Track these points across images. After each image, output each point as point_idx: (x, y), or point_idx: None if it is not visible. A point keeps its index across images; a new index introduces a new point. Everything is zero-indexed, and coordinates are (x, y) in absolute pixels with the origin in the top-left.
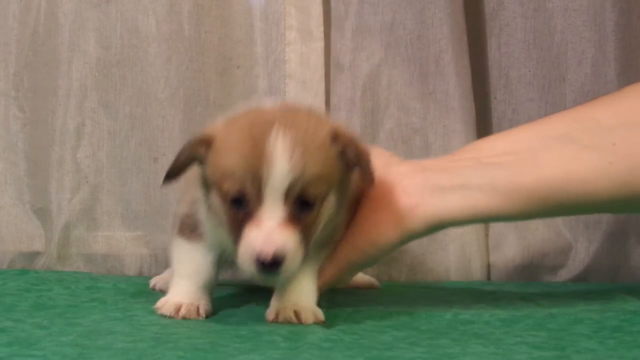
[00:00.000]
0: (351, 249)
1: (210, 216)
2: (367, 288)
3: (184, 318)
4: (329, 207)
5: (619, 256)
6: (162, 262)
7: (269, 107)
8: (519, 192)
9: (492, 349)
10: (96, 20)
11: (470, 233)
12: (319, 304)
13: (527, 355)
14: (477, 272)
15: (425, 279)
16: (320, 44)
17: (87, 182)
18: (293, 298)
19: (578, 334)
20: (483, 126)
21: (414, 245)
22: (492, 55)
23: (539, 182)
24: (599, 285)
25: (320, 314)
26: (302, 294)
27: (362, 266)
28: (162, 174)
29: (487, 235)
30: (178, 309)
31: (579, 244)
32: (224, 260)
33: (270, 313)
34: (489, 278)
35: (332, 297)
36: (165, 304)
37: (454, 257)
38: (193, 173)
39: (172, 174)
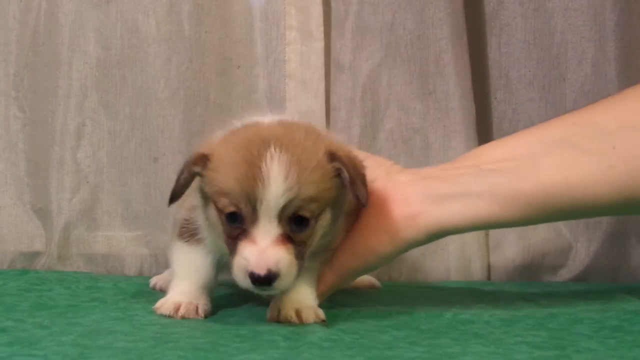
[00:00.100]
0: (352, 257)
1: (209, 226)
2: (367, 288)
3: (183, 317)
4: (324, 223)
5: (619, 256)
6: (163, 262)
7: (266, 124)
8: (519, 198)
9: (492, 348)
10: (96, 21)
11: (471, 233)
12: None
13: (527, 355)
14: (477, 272)
15: (425, 279)
16: (320, 44)
17: (87, 182)
18: (294, 297)
19: (578, 334)
20: (483, 126)
21: None
22: (492, 55)
23: (538, 188)
24: (599, 285)
25: (321, 313)
26: (303, 293)
27: (362, 273)
28: (163, 174)
29: (487, 235)
30: (177, 309)
31: (579, 244)
32: (223, 262)
33: (271, 312)
34: (489, 278)
35: (332, 297)
36: (164, 304)
37: (454, 257)
38: (196, 192)
39: (176, 194)
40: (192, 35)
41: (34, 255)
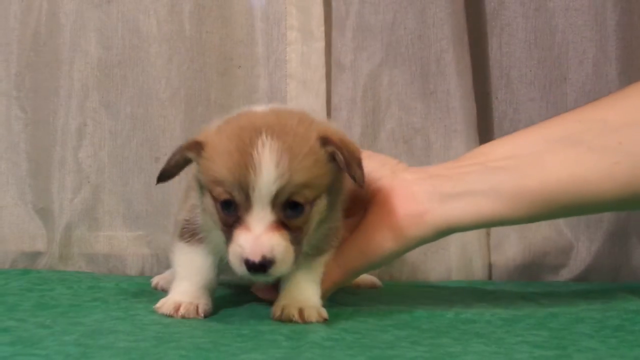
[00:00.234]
0: (358, 254)
1: (205, 216)
2: (369, 287)
3: (183, 317)
4: (320, 209)
5: (621, 256)
6: (164, 262)
7: (259, 113)
8: (524, 196)
9: (493, 348)
10: (97, 21)
11: (472, 233)
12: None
13: (528, 355)
14: (478, 272)
15: (426, 279)
16: (321, 44)
17: (89, 182)
18: (297, 297)
19: (579, 333)
20: (484, 126)
21: None
22: (493, 55)
23: (543, 185)
24: (601, 284)
25: (323, 312)
26: (307, 292)
27: (368, 270)
28: None
29: (488, 234)
30: (177, 308)
31: (581, 243)
32: (224, 262)
33: (275, 311)
34: (490, 277)
35: (333, 296)
36: (165, 304)
37: (456, 256)
38: (193, 181)
39: (164, 175)
40: (193, 35)
41: (35, 255)
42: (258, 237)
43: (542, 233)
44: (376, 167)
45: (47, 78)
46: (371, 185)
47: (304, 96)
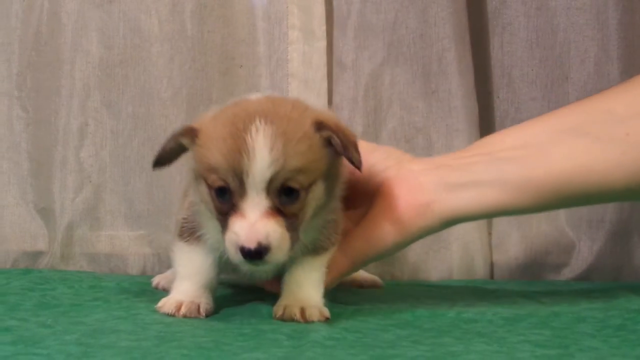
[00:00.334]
0: (365, 244)
1: (201, 207)
2: (370, 287)
3: (184, 316)
4: (316, 195)
5: (622, 255)
6: (165, 261)
7: (253, 100)
8: (531, 186)
9: (495, 347)
10: (99, 20)
11: (473, 232)
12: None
13: (530, 354)
14: (480, 271)
15: (428, 278)
16: (322, 43)
17: (90, 181)
18: (299, 296)
19: (581, 333)
20: (485, 125)
21: (417, 244)
22: (495, 54)
23: (550, 175)
24: (602, 284)
25: (325, 312)
26: (309, 292)
27: (375, 260)
28: (166, 174)
29: (490, 234)
30: (179, 308)
31: (582, 242)
32: (224, 261)
33: (276, 310)
34: (492, 277)
35: (335, 295)
36: (166, 303)
37: (457, 255)
38: (189, 172)
39: (159, 161)
40: (195, 34)
41: (37, 255)
42: (253, 223)
43: (544, 232)
44: (381, 158)
45: (48, 78)
46: (377, 176)
47: (306, 95)
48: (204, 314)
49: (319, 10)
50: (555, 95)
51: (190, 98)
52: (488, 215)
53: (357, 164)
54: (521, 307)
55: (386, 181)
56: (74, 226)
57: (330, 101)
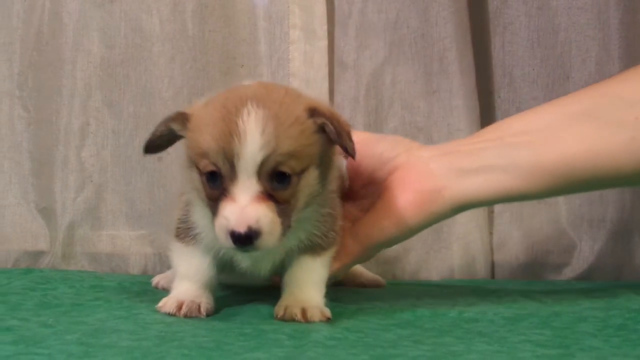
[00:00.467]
0: (377, 230)
1: (194, 194)
2: (373, 286)
3: (185, 316)
4: (309, 182)
5: (623, 254)
6: (167, 261)
7: (246, 86)
8: (542, 171)
9: (496, 347)
10: (100, 20)
11: (474, 232)
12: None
13: (531, 354)
14: (481, 271)
15: (429, 278)
16: (323, 43)
17: (92, 181)
18: (300, 296)
19: (582, 332)
20: (487, 125)
21: (418, 244)
22: (496, 54)
23: (560, 160)
24: (603, 283)
25: (327, 312)
26: (310, 292)
27: (386, 246)
28: (167, 173)
29: (491, 233)
30: (180, 307)
31: (583, 242)
32: (222, 260)
33: (277, 311)
34: (493, 276)
35: (336, 295)
36: (167, 303)
37: (458, 255)
38: (185, 180)
39: (149, 146)
40: (196, 34)
41: (38, 254)
42: (243, 207)
43: (545, 232)
44: (389, 147)
45: (49, 77)
46: (386, 164)
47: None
48: (204, 314)
49: (320, 9)
50: (557, 94)
51: (191, 98)
52: (498, 200)
53: (351, 152)
54: (522, 307)
55: (396, 169)
56: (75, 226)
57: (331, 100)
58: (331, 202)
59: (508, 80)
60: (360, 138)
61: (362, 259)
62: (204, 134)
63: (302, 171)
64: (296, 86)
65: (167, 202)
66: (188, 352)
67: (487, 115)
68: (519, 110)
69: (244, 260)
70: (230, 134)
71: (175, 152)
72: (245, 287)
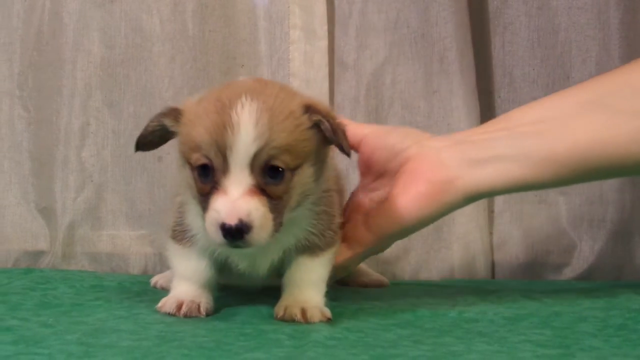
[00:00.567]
0: (391, 220)
1: (187, 193)
2: (376, 286)
3: (185, 316)
4: (303, 180)
5: (624, 254)
6: (167, 261)
7: (241, 81)
8: (552, 160)
9: (496, 347)
10: (100, 20)
11: (475, 232)
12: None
13: (531, 353)
14: (481, 271)
15: (429, 278)
16: (324, 43)
17: (92, 181)
18: (300, 297)
19: (582, 332)
20: None
21: (418, 244)
22: (497, 54)
23: (571, 149)
24: (604, 283)
25: (327, 312)
26: (310, 293)
27: (398, 237)
28: (167, 173)
29: (491, 233)
30: (179, 307)
31: (584, 242)
32: (219, 262)
33: (277, 311)
34: (493, 276)
35: (336, 295)
36: (166, 303)
37: (458, 255)
38: (179, 180)
39: (141, 142)
40: (196, 34)
41: (38, 254)
42: (235, 200)
43: (545, 232)
44: (400, 138)
45: (50, 77)
46: (397, 156)
47: (307, 95)
48: (204, 314)
49: (321, 9)
50: None
51: None
52: (510, 189)
53: (346, 150)
54: (522, 307)
55: (408, 160)
56: (75, 226)
57: (331, 100)
58: (327, 201)
59: (508, 80)
60: (370, 130)
61: (376, 249)
62: (197, 127)
63: (296, 167)
64: (296, 86)
65: (167, 202)
66: (188, 352)
67: (487, 115)
68: None
69: (240, 260)
70: (223, 125)
71: (175, 152)
72: (243, 289)
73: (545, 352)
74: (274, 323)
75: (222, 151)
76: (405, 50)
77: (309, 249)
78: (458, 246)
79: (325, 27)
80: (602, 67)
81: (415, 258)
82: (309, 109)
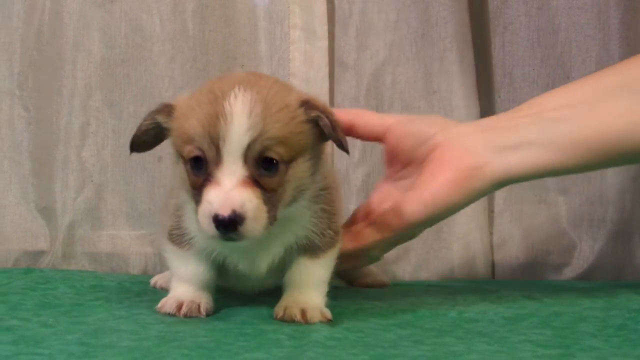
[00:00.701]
0: (419, 207)
1: (181, 190)
2: (378, 287)
3: (185, 316)
4: (298, 174)
5: (624, 255)
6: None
7: (234, 74)
8: (580, 145)
9: (496, 347)
10: (100, 20)
11: (475, 232)
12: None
13: (531, 354)
14: (481, 271)
15: (429, 278)
16: (324, 43)
17: (92, 181)
18: (299, 298)
19: (582, 332)
20: None
21: (418, 244)
22: (496, 54)
23: (599, 134)
24: (604, 283)
25: (327, 313)
26: (310, 294)
27: (428, 225)
28: (167, 173)
29: (491, 233)
30: (179, 307)
31: (584, 242)
32: (217, 263)
33: (277, 311)
34: (493, 276)
35: (336, 295)
36: (166, 303)
37: (458, 255)
38: (174, 183)
39: (135, 142)
40: (196, 34)
41: (38, 254)
42: (228, 191)
43: (545, 232)
44: (426, 126)
45: (50, 77)
46: (424, 144)
47: None
48: (204, 314)
49: (321, 9)
50: None
51: None
52: (538, 175)
53: (345, 146)
54: (522, 307)
55: (435, 147)
56: (76, 226)
57: (332, 100)
58: (326, 199)
59: (508, 80)
60: (396, 119)
61: (405, 236)
62: (190, 119)
63: (291, 160)
64: (296, 86)
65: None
66: (188, 352)
67: (487, 115)
68: None
69: (239, 260)
70: (216, 116)
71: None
72: (242, 293)
73: (545, 352)
74: (274, 323)
75: (215, 142)
76: (405, 50)
77: (310, 249)
78: (458, 246)
79: (326, 27)
80: (602, 67)
81: (415, 258)
82: (306, 104)
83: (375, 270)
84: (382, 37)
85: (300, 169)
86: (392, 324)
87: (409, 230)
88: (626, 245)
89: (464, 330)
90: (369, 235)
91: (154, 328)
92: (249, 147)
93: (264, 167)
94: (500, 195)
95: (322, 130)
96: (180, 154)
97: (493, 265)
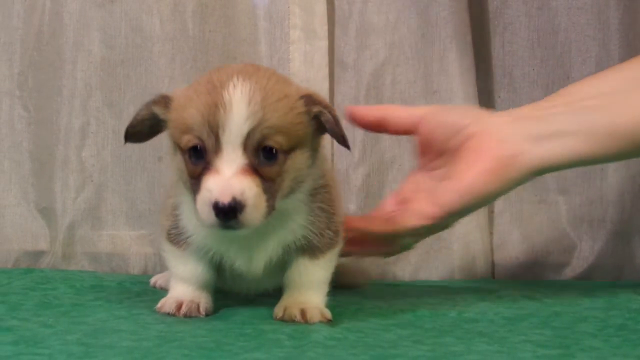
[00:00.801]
0: (455, 197)
1: (179, 182)
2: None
3: (185, 316)
4: (297, 164)
5: (624, 255)
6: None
7: (233, 65)
8: (615, 134)
9: (496, 347)
10: (100, 20)
11: (475, 232)
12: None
13: (531, 354)
14: (481, 271)
15: (429, 278)
16: (324, 43)
17: (92, 181)
18: (299, 298)
19: (582, 332)
20: None
21: (419, 244)
22: (496, 54)
23: (633, 123)
24: (604, 283)
25: (327, 313)
26: (310, 294)
27: (465, 214)
28: (167, 173)
29: (491, 233)
30: (179, 307)
31: (584, 242)
32: (215, 262)
33: (277, 311)
34: (493, 276)
35: (336, 295)
36: (165, 303)
37: (458, 255)
38: (172, 183)
39: (130, 131)
40: (196, 34)
41: (38, 254)
42: (228, 179)
43: (545, 232)
44: (459, 116)
45: (50, 77)
46: (458, 134)
47: None
48: (204, 313)
49: (321, 9)
50: None
51: None
52: (574, 164)
53: (347, 141)
54: (522, 307)
55: (470, 137)
56: (76, 226)
57: (331, 101)
58: (323, 197)
59: (508, 80)
60: (428, 110)
61: (440, 226)
62: (188, 109)
63: (290, 150)
64: None
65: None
66: (188, 352)
67: None
68: None
69: (237, 257)
70: (215, 105)
71: None
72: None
73: (545, 352)
74: (274, 323)
75: (214, 131)
76: (405, 50)
77: (309, 249)
78: (458, 246)
79: (325, 27)
80: (602, 67)
81: (415, 258)
82: (308, 98)
83: (353, 271)
84: (382, 37)
85: (299, 160)
86: (392, 324)
87: (444, 220)
88: (626, 245)
89: (464, 330)
90: (404, 221)
91: (154, 328)
92: (248, 136)
93: (263, 155)
94: None
95: (320, 123)
96: (177, 145)
97: (493, 265)
